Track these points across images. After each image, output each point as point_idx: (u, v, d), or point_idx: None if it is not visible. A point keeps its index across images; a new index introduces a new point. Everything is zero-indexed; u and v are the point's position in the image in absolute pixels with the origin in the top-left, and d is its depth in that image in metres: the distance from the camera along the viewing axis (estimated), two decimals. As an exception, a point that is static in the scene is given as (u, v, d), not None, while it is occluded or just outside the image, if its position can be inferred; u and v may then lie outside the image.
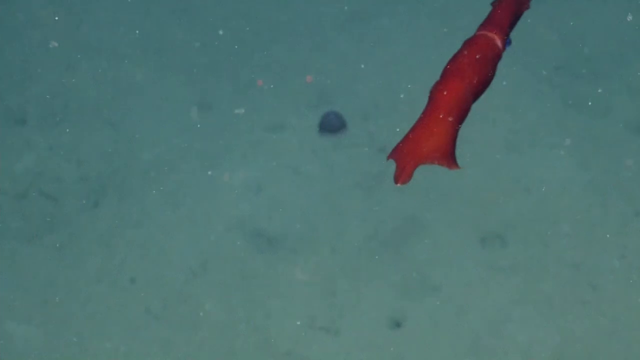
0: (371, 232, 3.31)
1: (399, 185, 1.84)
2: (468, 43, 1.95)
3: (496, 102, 3.63)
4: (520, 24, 3.86)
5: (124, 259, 3.27)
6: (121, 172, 3.48)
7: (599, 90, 3.64)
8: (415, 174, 3.45)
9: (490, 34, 1.96)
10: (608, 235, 3.19)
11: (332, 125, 3.45)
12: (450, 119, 1.86)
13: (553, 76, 3.70)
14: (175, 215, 3.38)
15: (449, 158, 1.87)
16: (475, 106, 3.63)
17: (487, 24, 1.97)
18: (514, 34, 3.81)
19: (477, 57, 1.92)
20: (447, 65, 1.92)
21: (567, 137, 3.51)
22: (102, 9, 3.96)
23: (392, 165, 3.49)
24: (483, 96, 3.65)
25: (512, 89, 3.66)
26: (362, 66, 3.73)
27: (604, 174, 3.38)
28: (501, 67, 3.73)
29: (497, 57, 1.97)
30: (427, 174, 3.43)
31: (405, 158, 1.85)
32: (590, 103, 3.61)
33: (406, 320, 3.11)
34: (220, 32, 3.89)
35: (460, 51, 1.94)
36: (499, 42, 1.97)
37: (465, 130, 3.55)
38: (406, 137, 1.87)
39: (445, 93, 1.88)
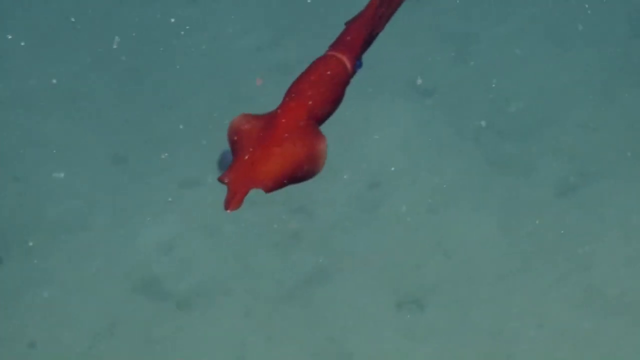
0: (286, 295, 3.20)
1: (229, 212, 1.72)
2: (315, 64, 1.86)
3: (418, 161, 3.55)
4: (445, 80, 3.80)
5: (23, 322, 3.14)
6: (26, 228, 3.36)
7: (524, 150, 3.57)
8: (333, 235, 3.35)
9: (339, 55, 1.87)
10: (527, 303, 3.11)
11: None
12: (289, 143, 1.76)
13: (478, 135, 3.63)
14: (81, 275, 3.25)
15: (274, 184, 1.76)
16: (396, 165, 3.55)
17: (337, 44, 1.88)
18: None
19: (323, 79, 1.82)
20: (291, 86, 1.83)
21: (490, 199, 3.43)
22: (10, 57, 3.85)
23: (309, 224, 3.39)
24: (405, 155, 3.57)
25: (436, 147, 3.59)
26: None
27: (525, 237, 3.30)
28: (425, 124, 3.66)
29: (346, 80, 1.88)
30: (344, 236, 3.33)
31: (238, 182, 1.74)
32: (514, 163, 3.54)
33: (317, 390, 3.00)
34: (138, 83, 3.79)
35: (305, 72, 1.85)
36: (348, 64, 1.88)
37: (385, 189, 3.46)
38: (241, 159, 1.75)
39: (285, 116, 1.79)
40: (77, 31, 3.95)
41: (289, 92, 1.82)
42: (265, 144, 1.76)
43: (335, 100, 1.85)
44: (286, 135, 1.77)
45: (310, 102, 1.81)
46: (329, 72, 1.83)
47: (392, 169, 3.52)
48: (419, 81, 3.79)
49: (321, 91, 1.82)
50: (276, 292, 3.22)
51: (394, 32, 3.91)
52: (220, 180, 1.72)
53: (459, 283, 3.20)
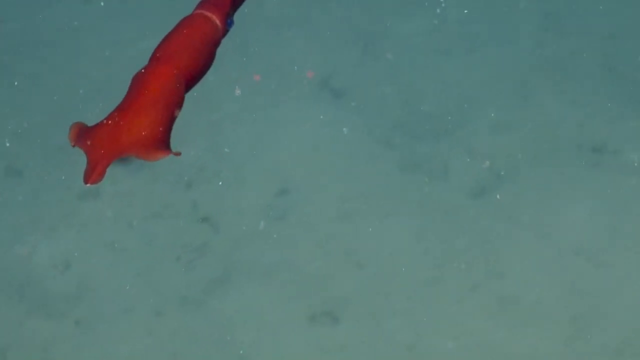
0: (191, 312, 3.05)
1: (89, 185, 1.54)
2: (181, 23, 1.70)
3: (329, 166, 3.41)
4: (356, 79, 3.67)
5: None
6: None
7: (438, 152, 3.46)
8: (240, 245, 3.20)
9: (208, 14, 1.72)
10: (442, 314, 3.00)
11: None
12: (157, 107, 1.60)
13: (390, 136, 3.51)
14: (-29, 297, 3.06)
15: (158, 148, 1.58)
16: (306, 171, 3.41)
17: (205, 2, 1.73)
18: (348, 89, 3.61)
19: (191, 39, 1.67)
20: (157, 47, 1.67)
21: (403, 203, 3.31)
22: None
23: (214, 236, 3.23)
24: (315, 159, 3.43)
25: (345, 150, 3.45)
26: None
27: (440, 244, 3.18)
28: (336, 127, 3.52)
29: (217, 39, 1.73)
30: (252, 246, 3.19)
31: (100, 151, 1.56)
32: (428, 166, 3.42)
33: (225, 413, 2.86)
34: (31, 91, 3.60)
35: (172, 32, 1.69)
36: (218, 23, 1.73)
37: (293, 198, 3.32)
38: (101, 126, 1.57)
39: (152, 78, 1.63)
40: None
41: (154, 55, 1.66)
42: (129, 111, 1.58)
43: (205, 62, 1.70)
44: (152, 101, 1.60)
45: (180, 64, 1.65)
46: (197, 32, 1.68)
47: (302, 175, 3.38)
48: (328, 81, 3.65)
49: (189, 52, 1.67)
50: (180, 309, 3.06)
51: (301, 29, 3.78)
52: (78, 146, 1.55)
53: (372, 294, 3.07)
